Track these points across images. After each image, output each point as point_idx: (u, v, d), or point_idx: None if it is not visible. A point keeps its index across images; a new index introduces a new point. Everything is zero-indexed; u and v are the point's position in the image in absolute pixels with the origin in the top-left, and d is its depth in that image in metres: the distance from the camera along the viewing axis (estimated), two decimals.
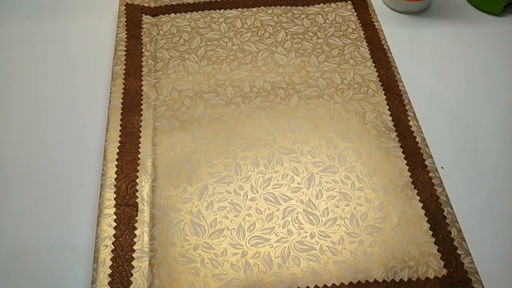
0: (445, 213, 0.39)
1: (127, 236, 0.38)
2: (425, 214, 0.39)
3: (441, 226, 0.38)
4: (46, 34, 0.58)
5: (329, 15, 0.56)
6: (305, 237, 0.38)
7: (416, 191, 0.41)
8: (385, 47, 0.53)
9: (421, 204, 0.40)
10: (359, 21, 0.55)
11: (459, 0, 0.63)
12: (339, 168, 0.42)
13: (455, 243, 0.37)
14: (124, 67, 0.49)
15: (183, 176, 0.42)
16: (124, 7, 0.56)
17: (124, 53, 0.51)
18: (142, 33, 0.53)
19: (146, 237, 0.38)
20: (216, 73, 0.50)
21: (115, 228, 0.38)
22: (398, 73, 0.50)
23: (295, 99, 0.48)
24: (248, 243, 0.38)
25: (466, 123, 0.49)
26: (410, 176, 0.42)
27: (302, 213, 0.39)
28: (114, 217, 0.39)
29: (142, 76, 0.49)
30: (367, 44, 0.53)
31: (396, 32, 0.58)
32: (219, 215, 0.39)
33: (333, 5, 0.57)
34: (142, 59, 0.51)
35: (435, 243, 0.38)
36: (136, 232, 0.38)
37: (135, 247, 0.37)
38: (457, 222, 0.39)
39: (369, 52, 0.52)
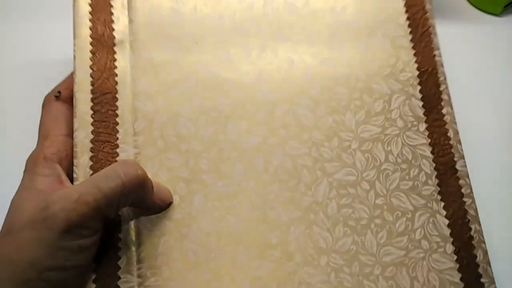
0: (472, 232, 0.35)
1: None
2: (450, 234, 0.36)
3: (467, 249, 0.35)
4: None
5: None
6: None
7: (442, 203, 0.37)
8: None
9: (447, 221, 0.36)
10: None
11: (459, 0, 0.61)
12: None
13: (480, 270, 0.34)
14: None
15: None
16: None
17: None
18: None
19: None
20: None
21: None
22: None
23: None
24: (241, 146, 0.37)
25: (466, 123, 0.48)
26: (438, 184, 0.37)
27: None
28: None
29: None
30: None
31: None
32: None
33: None
34: None
35: (459, 270, 0.35)
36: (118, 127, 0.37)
37: None
38: (484, 243, 0.35)
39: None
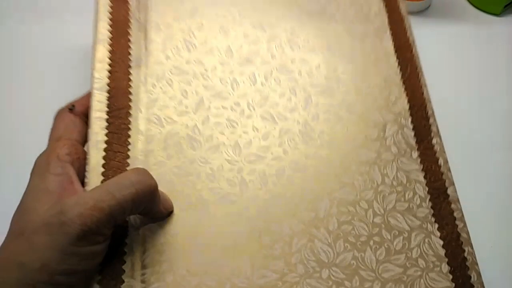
0: (465, 254, 0.37)
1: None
2: (445, 254, 0.37)
3: (462, 269, 0.36)
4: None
5: None
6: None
7: (437, 225, 0.38)
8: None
9: (442, 242, 0.37)
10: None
11: (459, 0, 0.62)
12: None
13: None
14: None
15: (177, 86, 0.40)
16: None
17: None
18: None
19: (140, 145, 0.38)
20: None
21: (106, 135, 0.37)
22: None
23: None
24: (244, 159, 0.38)
25: (466, 123, 0.49)
26: (432, 207, 0.39)
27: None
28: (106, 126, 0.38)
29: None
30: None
31: None
32: (215, 130, 0.39)
33: None
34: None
35: None
36: (129, 140, 0.37)
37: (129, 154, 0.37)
38: (477, 265, 0.37)
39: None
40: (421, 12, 0.61)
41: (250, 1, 0.46)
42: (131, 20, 0.43)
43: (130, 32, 0.42)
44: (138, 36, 0.42)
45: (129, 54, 0.41)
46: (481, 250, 0.39)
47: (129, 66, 0.40)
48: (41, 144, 0.37)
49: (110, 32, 0.41)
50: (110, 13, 0.42)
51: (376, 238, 0.37)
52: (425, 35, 0.58)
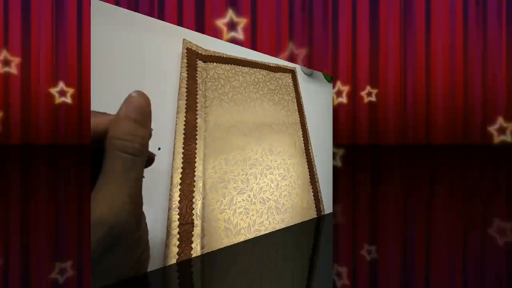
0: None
1: (186, 251, 0.55)
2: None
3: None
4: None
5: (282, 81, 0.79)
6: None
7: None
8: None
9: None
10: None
11: None
12: None
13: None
14: (185, 102, 0.58)
15: (220, 191, 0.60)
16: (186, 51, 0.60)
17: (185, 90, 0.58)
18: (197, 75, 0.60)
19: (198, 248, 0.56)
20: (238, 112, 0.66)
21: (178, 246, 0.55)
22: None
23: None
24: (253, 231, 0.63)
25: None
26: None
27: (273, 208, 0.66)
28: (178, 236, 0.55)
29: (197, 111, 0.58)
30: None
31: None
32: (238, 218, 0.61)
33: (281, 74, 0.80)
34: (197, 96, 0.59)
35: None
36: (192, 245, 0.55)
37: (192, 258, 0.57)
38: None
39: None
40: None
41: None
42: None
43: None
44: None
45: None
46: None
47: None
48: None
49: (179, 197, 0.58)
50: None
51: None
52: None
